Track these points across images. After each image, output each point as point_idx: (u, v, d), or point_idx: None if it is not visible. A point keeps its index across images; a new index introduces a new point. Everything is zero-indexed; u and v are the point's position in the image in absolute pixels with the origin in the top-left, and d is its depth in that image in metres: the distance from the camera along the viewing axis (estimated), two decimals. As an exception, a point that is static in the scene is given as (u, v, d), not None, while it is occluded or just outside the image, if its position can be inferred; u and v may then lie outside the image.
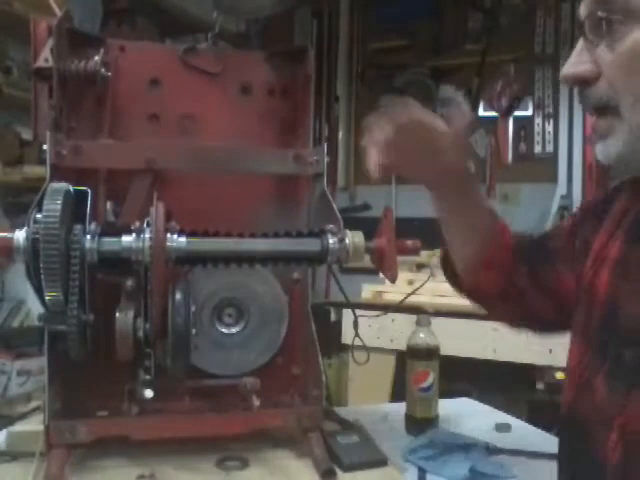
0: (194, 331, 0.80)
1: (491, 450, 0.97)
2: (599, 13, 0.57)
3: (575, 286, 0.75)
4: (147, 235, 0.78)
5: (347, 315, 2.11)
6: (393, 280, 0.88)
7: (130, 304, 0.81)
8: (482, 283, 0.85)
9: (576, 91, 0.66)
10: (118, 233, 0.80)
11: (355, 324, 1.01)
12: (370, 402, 1.52)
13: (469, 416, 1.16)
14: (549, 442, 0.94)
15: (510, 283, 0.84)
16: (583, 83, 0.61)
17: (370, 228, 0.89)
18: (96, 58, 0.89)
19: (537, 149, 3.07)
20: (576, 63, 0.61)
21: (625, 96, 0.58)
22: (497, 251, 0.84)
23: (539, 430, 1.11)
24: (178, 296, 0.80)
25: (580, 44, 0.61)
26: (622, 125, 0.59)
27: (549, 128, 3.04)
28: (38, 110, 0.91)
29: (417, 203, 0.88)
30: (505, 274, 0.84)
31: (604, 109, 0.60)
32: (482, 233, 0.84)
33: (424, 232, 0.94)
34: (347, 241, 0.85)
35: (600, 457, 0.63)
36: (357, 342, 1.01)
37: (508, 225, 0.88)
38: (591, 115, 0.63)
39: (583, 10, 0.61)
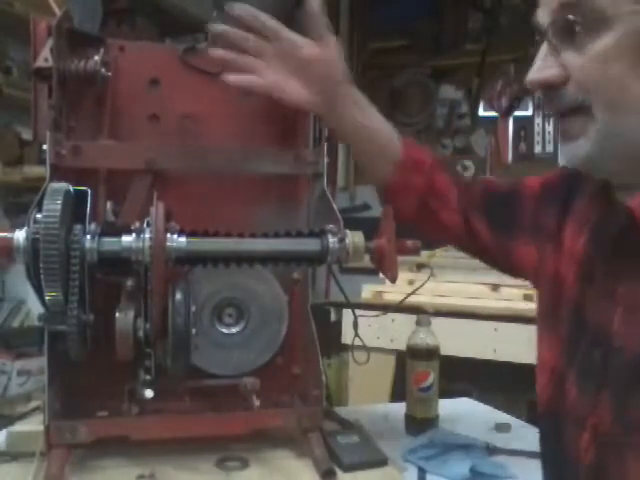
0: (194, 331, 0.80)
1: (491, 450, 0.97)
2: (568, 17, 0.58)
3: (532, 264, 0.77)
4: (147, 235, 0.78)
5: (347, 315, 2.11)
6: (393, 280, 0.88)
7: (130, 304, 0.80)
8: (397, 206, 0.88)
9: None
10: (118, 233, 0.80)
11: (355, 324, 1.01)
12: (370, 402, 1.52)
13: (469, 416, 1.16)
14: (549, 442, 0.94)
15: (430, 201, 0.89)
16: (550, 87, 0.61)
17: (370, 228, 0.89)
18: (96, 58, 0.89)
19: (537, 149, 3.07)
20: (542, 68, 0.61)
21: (597, 98, 0.58)
22: (406, 174, 0.89)
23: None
24: (178, 296, 0.80)
25: (544, 49, 0.61)
26: (594, 125, 0.59)
27: (549, 128, 3.05)
28: (38, 110, 0.91)
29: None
30: (417, 197, 0.89)
31: (577, 109, 0.60)
32: (386, 153, 0.89)
33: (424, 232, 0.94)
34: (347, 241, 0.85)
35: (573, 457, 0.63)
36: (357, 342, 1.01)
37: (422, 148, 0.93)
38: (558, 118, 0.63)
39: (546, 15, 0.61)
